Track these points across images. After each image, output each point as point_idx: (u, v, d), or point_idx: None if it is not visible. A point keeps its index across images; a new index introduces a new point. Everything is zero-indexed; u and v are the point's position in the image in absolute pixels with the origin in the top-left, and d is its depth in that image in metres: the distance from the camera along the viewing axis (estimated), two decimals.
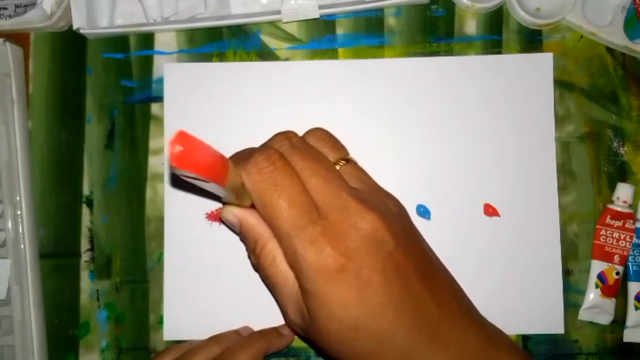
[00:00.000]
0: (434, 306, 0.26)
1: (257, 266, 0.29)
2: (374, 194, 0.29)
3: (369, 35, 0.39)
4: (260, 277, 0.30)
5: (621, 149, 0.38)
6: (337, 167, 0.29)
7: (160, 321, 0.37)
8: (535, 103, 0.37)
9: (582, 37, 0.38)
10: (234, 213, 0.29)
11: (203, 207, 0.37)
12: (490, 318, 0.30)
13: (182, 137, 0.22)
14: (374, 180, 0.30)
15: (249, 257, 0.30)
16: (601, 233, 0.37)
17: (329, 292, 0.25)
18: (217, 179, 0.24)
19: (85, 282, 0.38)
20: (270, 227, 0.27)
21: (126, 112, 0.38)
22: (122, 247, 0.38)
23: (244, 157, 0.27)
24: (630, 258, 0.37)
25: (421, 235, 0.30)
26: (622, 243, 0.37)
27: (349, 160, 0.30)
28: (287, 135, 0.29)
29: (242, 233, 0.29)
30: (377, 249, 0.26)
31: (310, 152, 0.28)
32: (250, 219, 0.28)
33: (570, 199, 0.37)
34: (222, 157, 0.24)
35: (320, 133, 0.30)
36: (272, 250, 0.28)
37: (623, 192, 0.37)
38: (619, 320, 0.37)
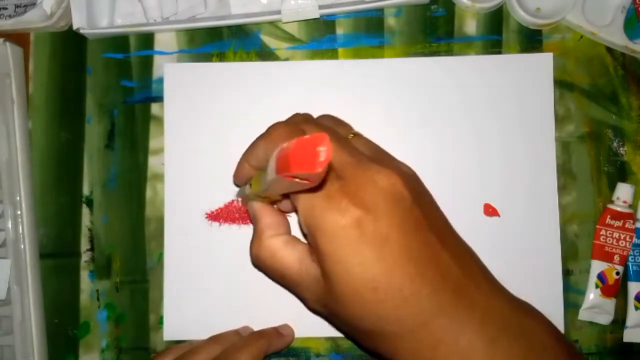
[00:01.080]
0: (455, 266, 0.25)
1: (259, 264, 0.29)
2: (388, 158, 0.30)
3: (369, 35, 0.39)
4: (266, 274, 0.31)
5: (621, 149, 0.38)
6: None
7: (160, 321, 0.37)
8: (535, 103, 0.37)
9: (582, 37, 0.38)
10: (254, 207, 0.30)
11: (203, 207, 0.37)
12: None
13: (326, 140, 0.20)
14: (383, 149, 0.31)
15: (250, 254, 0.30)
16: (601, 233, 0.37)
17: (347, 248, 0.24)
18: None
19: (85, 282, 0.38)
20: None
21: (126, 112, 0.38)
22: (122, 247, 0.38)
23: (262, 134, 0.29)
24: (630, 258, 0.37)
25: (435, 201, 0.29)
26: (622, 243, 0.37)
27: (356, 134, 0.31)
28: (302, 114, 0.33)
29: (253, 223, 0.30)
30: (395, 204, 0.25)
31: (322, 123, 0.31)
32: (262, 211, 0.29)
33: (570, 199, 0.37)
34: None
35: (327, 115, 0.33)
36: (270, 245, 0.28)
37: (623, 192, 0.37)
38: (619, 320, 0.37)
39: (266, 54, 0.39)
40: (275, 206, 0.31)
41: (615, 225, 0.37)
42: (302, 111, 0.38)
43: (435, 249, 0.25)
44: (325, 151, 0.20)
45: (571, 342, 0.28)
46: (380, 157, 0.29)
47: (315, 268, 0.27)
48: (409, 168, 0.30)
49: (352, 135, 0.31)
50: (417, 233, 0.25)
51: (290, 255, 0.28)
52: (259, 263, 0.29)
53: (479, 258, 0.28)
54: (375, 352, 0.28)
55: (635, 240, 0.37)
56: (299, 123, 0.29)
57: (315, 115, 0.34)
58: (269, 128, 0.29)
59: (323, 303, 0.27)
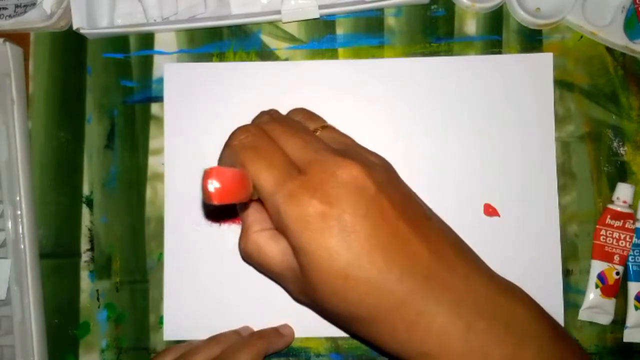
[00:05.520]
0: (425, 251, 0.26)
1: (247, 258, 0.30)
2: (354, 150, 0.30)
3: (369, 35, 0.39)
4: (254, 267, 0.31)
5: (621, 149, 0.38)
6: (316, 133, 0.30)
7: (160, 321, 0.37)
8: (535, 103, 0.37)
9: (582, 37, 0.38)
10: (241, 208, 0.30)
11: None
12: None
13: (218, 173, 0.23)
14: (354, 140, 0.31)
15: (239, 251, 0.30)
16: (601, 233, 0.37)
17: (314, 241, 0.25)
18: (247, 196, 0.26)
19: (85, 282, 0.38)
20: (257, 192, 0.27)
21: (126, 112, 0.38)
22: (122, 247, 0.38)
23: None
24: (630, 258, 0.37)
25: (410, 188, 0.30)
26: (622, 243, 0.37)
27: (326, 127, 0.31)
28: (268, 112, 0.33)
29: (242, 221, 0.30)
30: (358, 195, 0.26)
31: (287, 121, 0.31)
32: (249, 208, 0.30)
33: (570, 199, 0.37)
34: (243, 173, 0.26)
35: (299, 110, 0.34)
36: (256, 240, 0.29)
37: (623, 192, 0.37)
38: (619, 320, 0.37)
39: (266, 54, 0.39)
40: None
41: (615, 225, 0.37)
42: None
43: (404, 236, 0.26)
44: (212, 184, 0.23)
45: (558, 324, 0.28)
46: (347, 150, 0.29)
47: (294, 261, 0.27)
48: (379, 158, 0.30)
49: (321, 128, 0.31)
50: (384, 221, 0.26)
51: (274, 249, 0.28)
52: (247, 257, 0.30)
53: (459, 242, 0.28)
54: (360, 338, 0.28)
55: (635, 240, 0.37)
56: (263, 124, 0.29)
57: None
58: (230, 135, 0.29)
59: (304, 293, 0.28)
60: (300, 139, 0.28)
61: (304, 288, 0.27)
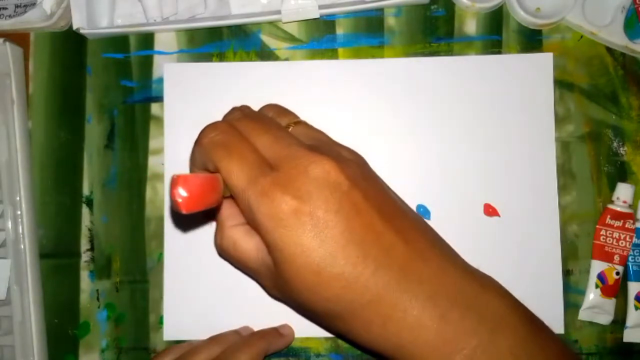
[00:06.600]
0: (400, 243, 0.26)
1: (223, 254, 0.30)
2: (327, 145, 0.30)
3: (369, 35, 0.39)
4: (230, 263, 0.31)
5: (621, 149, 0.38)
6: (289, 129, 0.30)
7: (160, 321, 0.37)
8: (535, 103, 0.37)
9: (582, 37, 0.38)
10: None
11: None
12: None
13: (185, 181, 0.22)
14: (327, 135, 0.31)
15: (215, 246, 0.30)
16: (601, 233, 0.37)
17: (287, 237, 0.25)
18: (218, 199, 0.25)
19: (85, 282, 0.38)
20: (229, 190, 0.27)
21: (126, 112, 0.38)
22: (122, 247, 0.38)
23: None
24: (630, 258, 0.37)
25: (384, 182, 0.30)
26: (622, 243, 0.37)
27: (299, 122, 0.31)
28: (240, 108, 0.33)
29: (216, 217, 0.30)
30: (330, 191, 0.26)
31: (259, 117, 0.31)
32: (222, 203, 0.29)
33: (570, 199, 0.37)
34: (213, 178, 0.25)
35: (271, 105, 0.33)
36: (231, 235, 0.29)
37: (623, 192, 0.37)
38: (619, 320, 0.37)
39: (266, 54, 0.39)
40: None
41: (615, 225, 0.37)
42: (301, 112, 0.38)
43: (378, 230, 0.26)
44: (179, 194, 0.22)
45: (536, 317, 0.28)
46: (319, 145, 0.29)
47: (268, 257, 0.27)
48: (353, 153, 0.30)
49: (294, 124, 0.31)
50: (357, 216, 0.26)
51: (248, 244, 0.28)
52: (222, 253, 0.30)
53: (433, 235, 0.28)
54: (338, 334, 0.28)
55: (635, 240, 0.37)
56: (234, 121, 0.29)
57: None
58: (200, 132, 0.29)
59: (278, 289, 0.28)
60: (271, 135, 0.28)
61: (278, 284, 0.27)
